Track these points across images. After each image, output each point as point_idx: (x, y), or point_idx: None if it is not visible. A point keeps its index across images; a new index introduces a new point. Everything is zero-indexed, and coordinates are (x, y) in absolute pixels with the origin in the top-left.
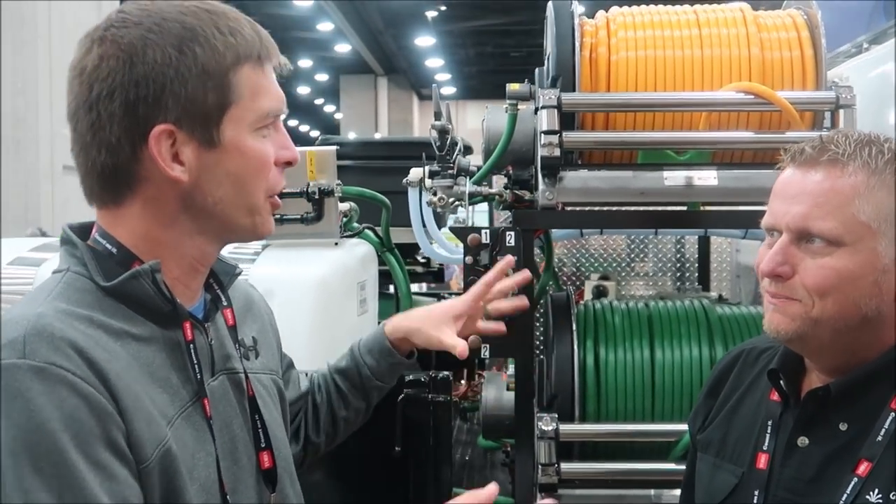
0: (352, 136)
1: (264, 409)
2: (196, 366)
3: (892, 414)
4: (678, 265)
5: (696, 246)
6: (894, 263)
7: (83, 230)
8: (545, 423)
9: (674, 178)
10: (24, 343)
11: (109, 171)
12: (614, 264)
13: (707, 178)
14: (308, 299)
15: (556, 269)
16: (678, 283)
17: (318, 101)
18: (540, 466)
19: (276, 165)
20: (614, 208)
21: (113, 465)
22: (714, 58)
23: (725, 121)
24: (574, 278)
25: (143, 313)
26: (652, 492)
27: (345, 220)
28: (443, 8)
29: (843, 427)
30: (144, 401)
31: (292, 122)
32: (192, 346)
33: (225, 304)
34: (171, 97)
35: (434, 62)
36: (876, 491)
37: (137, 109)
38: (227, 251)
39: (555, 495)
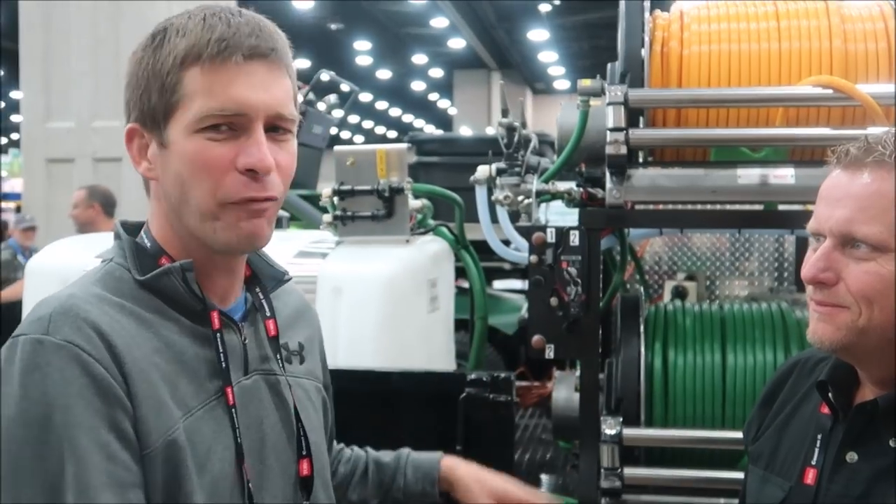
0: (464, 130)
1: (304, 415)
2: (222, 355)
3: None
4: (777, 265)
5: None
6: None
7: (135, 227)
8: (609, 427)
9: (748, 176)
10: (50, 320)
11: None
12: (709, 262)
13: (784, 176)
14: (376, 297)
15: (650, 267)
16: (776, 284)
17: (433, 97)
18: (603, 470)
19: (239, 171)
20: (688, 207)
21: (113, 445)
22: (793, 51)
23: (804, 116)
24: (666, 277)
25: (175, 307)
26: (722, 500)
27: (419, 217)
28: (556, 2)
29: (893, 444)
30: (160, 390)
31: (407, 118)
32: (218, 335)
33: (268, 314)
34: (133, 99)
35: (548, 56)
36: None
37: (126, 110)
38: (306, 246)
39: (621, 501)
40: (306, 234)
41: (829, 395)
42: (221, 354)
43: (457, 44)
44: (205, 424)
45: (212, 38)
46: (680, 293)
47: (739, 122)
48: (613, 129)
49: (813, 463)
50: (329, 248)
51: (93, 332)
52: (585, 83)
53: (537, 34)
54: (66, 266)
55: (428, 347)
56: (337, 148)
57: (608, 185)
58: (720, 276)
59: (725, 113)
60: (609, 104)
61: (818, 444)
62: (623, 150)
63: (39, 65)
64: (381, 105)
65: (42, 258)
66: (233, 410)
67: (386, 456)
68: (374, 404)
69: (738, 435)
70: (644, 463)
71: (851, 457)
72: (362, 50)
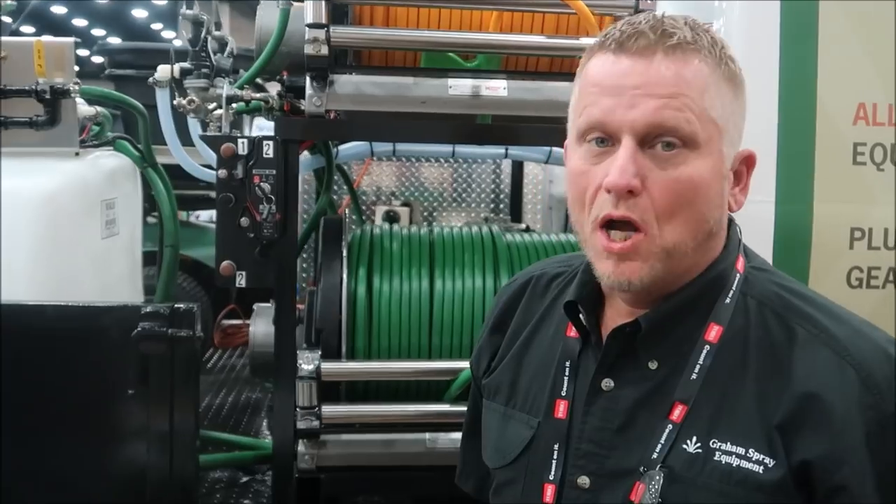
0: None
1: None
2: None
3: (707, 347)
4: (493, 196)
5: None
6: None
7: None
8: (305, 362)
9: (459, 86)
10: None
11: None
12: (435, 192)
13: (496, 88)
14: (33, 217)
15: (367, 196)
16: (492, 214)
17: (156, 27)
18: (298, 410)
19: None
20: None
21: None
22: None
23: (518, 24)
24: (379, 203)
25: None
26: (427, 435)
27: (95, 128)
28: None
29: (652, 366)
30: None
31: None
32: None
33: None
34: None
35: None
36: (694, 439)
37: None
38: None
39: (318, 441)
40: None
41: (581, 316)
42: None
43: None
44: None
45: None
46: (392, 218)
47: (452, 25)
48: (312, 26)
49: (563, 394)
50: None
51: None
52: None
53: None
54: None
55: (103, 278)
56: None
57: (308, 91)
58: (438, 206)
59: (437, 15)
60: None
61: (567, 373)
62: (324, 50)
63: None
64: (99, 32)
65: None
66: None
67: None
68: (29, 344)
69: (446, 365)
70: (345, 399)
71: (608, 384)
72: None
